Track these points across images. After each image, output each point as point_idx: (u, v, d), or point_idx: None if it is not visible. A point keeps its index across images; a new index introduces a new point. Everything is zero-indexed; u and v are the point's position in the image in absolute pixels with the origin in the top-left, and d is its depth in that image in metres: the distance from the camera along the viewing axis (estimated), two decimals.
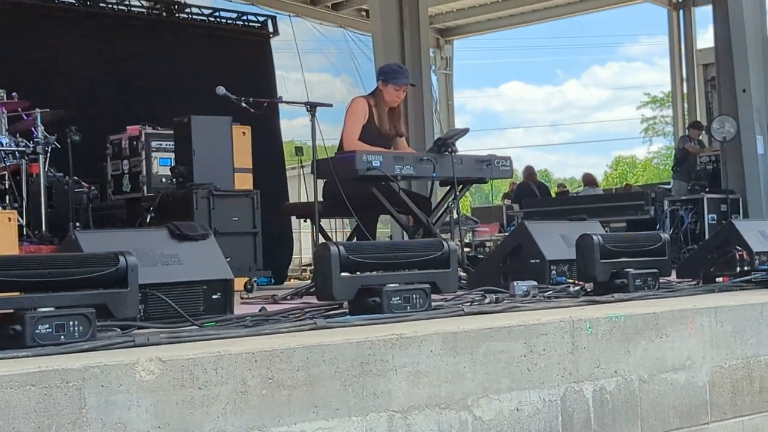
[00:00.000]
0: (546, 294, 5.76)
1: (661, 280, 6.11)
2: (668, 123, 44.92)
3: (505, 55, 63.34)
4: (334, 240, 9.21)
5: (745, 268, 6.57)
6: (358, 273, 4.85)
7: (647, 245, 6.15)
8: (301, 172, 16.68)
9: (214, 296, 4.95)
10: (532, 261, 6.51)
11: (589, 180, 21.31)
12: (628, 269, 5.83)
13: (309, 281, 12.36)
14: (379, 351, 3.86)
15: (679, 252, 11.93)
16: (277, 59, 15.90)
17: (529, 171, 20.86)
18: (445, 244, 5.11)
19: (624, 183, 31.07)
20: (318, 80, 21.79)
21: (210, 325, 4.48)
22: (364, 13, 20.78)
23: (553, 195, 21.48)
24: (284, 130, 15.86)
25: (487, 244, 16.77)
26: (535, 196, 18.95)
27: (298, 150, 16.24)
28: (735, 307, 5.20)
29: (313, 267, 4.92)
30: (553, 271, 6.47)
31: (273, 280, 11.73)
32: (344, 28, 21.39)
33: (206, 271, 4.98)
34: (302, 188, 16.53)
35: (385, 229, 16.56)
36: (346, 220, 12.66)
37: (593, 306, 5.18)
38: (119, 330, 4.11)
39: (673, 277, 6.70)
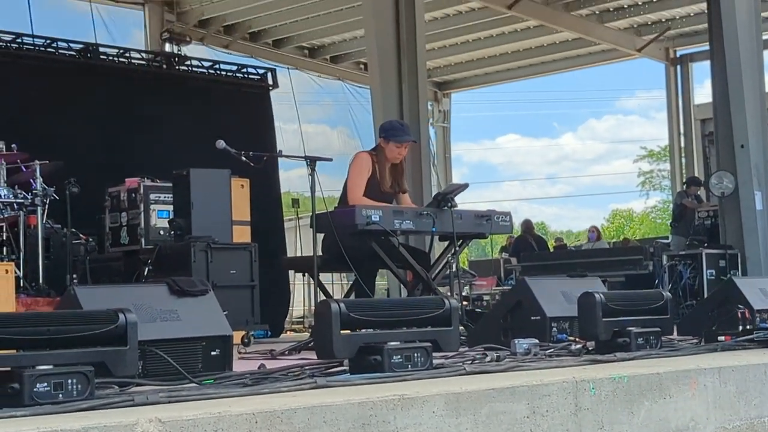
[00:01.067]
0: (547, 352, 5.71)
1: (662, 339, 6.07)
2: (665, 177, 45.00)
3: (502, 108, 63.57)
4: (331, 293, 9.17)
5: (747, 327, 6.53)
6: (358, 330, 4.81)
7: (649, 304, 6.12)
8: (298, 224, 16.76)
9: (212, 352, 4.92)
10: (532, 318, 6.48)
11: (599, 234, 21.36)
12: (630, 328, 5.79)
13: (305, 333, 12.31)
14: (381, 412, 3.80)
15: (678, 307, 11.88)
16: (274, 110, 15.93)
17: (527, 224, 20.87)
18: (446, 301, 5.07)
19: (622, 237, 31.06)
20: (314, 131, 21.88)
21: (209, 383, 4.44)
22: (362, 66, 20.88)
23: (551, 248, 21.45)
24: (281, 180, 15.85)
25: (485, 297, 16.73)
26: (532, 249, 18.93)
27: (295, 202, 16.34)
28: (738, 368, 5.16)
29: (312, 322, 4.92)
30: (554, 329, 6.43)
31: (270, 333, 11.69)
32: (342, 81, 21.50)
33: (205, 328, 4.96)
34: (298, 240, 16.52)
35: (382, 281, 16.51)
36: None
37: (596, 366, 5.12)
38: (117, 387, 4.06)
39: (674, 334, 6.66)
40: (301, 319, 16.85)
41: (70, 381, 3.74)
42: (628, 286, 13.93)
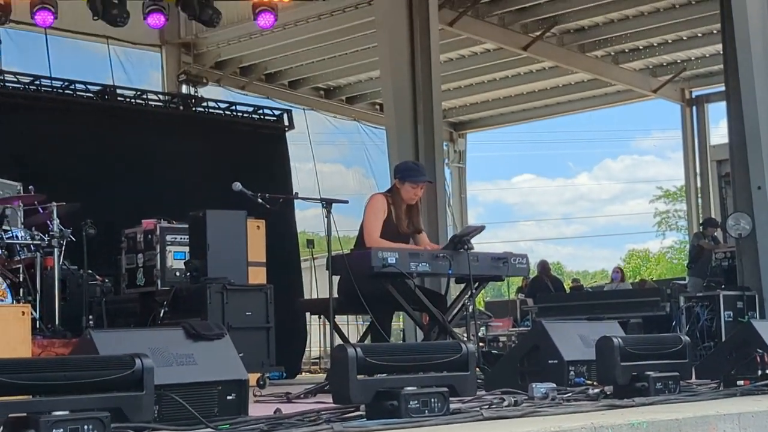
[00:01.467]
0: (565, 396, 5.67)
1: (681, 383, 6.02)
2: (681, 217, 44.81)
3: (517, 148, 63.53)
4: (347, 334, 9.16)
5: (766, 371, 6.48)
6: (375, 375, 4.79)
7: (668, 348, 6.08)
8: (313, 264, 16.74)
9: (228, 397, 4.90)
10: (550, 361, 6.45)
11: (623, 275, 21.21)
12: (648, 372, 5.75)
13: (321, 375, 12.26)
14: None
15: (696, 349, 11.82)
16: (289, 150, 15.96)
17: (543, 265, 20.81)
18: (463, 346, 5.05)
19: (639, 278, 30.93)
20: (330, 171, 21.91)
21: (225, 428, 4.42)
22: (378, 107, 20.93)
23: (567, 289, 21.38)
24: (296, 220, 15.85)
25: (501, 338, 16.66)
26: (549, 290, 18.87)
27: (310, 242, 16.35)
28: (758, 413, 5.11)
29: (327, 364, 4.91)
30: (572, 372, 6.40)
31: (285, 374, 11.65)
32: (358, 121, 21.54)
33: (221, 372, 4.94)
34: (314, 280, 16.50)
35: (397, 321, 16.48)
36: None
37: (614, 411, 5.08)
38: None
39: (693, 377, 6.61)
40: (317, 360, 16.81)
41: (86, 427, 3.74)
42: (645, 328, 13.88)
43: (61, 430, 3.67)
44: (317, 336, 16.41)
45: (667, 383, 5.83)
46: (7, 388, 3.74)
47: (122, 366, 4.01)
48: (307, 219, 18.46)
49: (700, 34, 18.89)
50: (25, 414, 3.71)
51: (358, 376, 4.66)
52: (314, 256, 16.66)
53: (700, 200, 21.84)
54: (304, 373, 14.79)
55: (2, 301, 8.95)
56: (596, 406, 5.25)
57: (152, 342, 4.73)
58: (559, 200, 74.33)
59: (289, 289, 12.94)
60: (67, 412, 3.74)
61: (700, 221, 19.06)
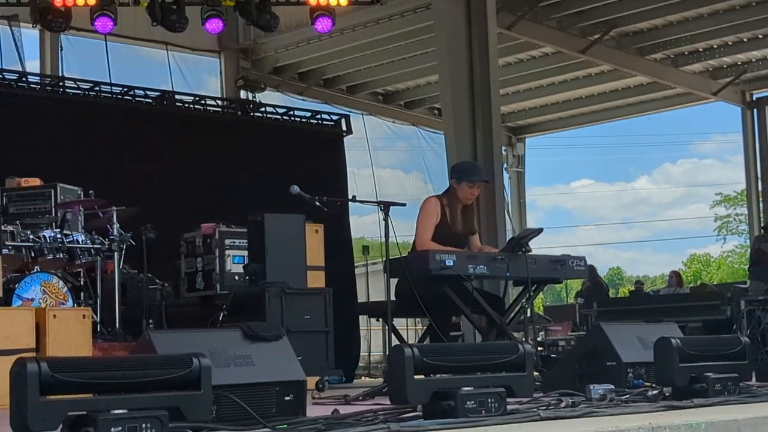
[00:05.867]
0: (623, 398, 5.63)
1: (741, 384, 5.96)
2: (742, 221, 44.42)
3: (576, 153, 63.17)
4: (405, 338, 9.14)
5: None
6: (432, 376, 4.79)
7: (727, 349, 6.02)
8: (367, 270, 16.75)
9: (286, 398, 4.91)
10: (608, 363, 6.40)
11: (679, 279, 20.91)
12: (707, 374, 5.70)
13: (380, 379, 12.28)
14: None
15: (757, 353, 11.67)
16: (347, 155, 15.97)
17: (593, 270, 20.52)
18: (520, 347, 5.04)
19: (699, 282, 30.64)
20: (388, 176, 21.94)
21: (282, 428, 4.44)
22: (436, 112, 20.93)
23: (628, 292, 21.20)
24: (353, 226, 15.85)
25: (560, 343, 16.57)
26: (607, 295, 18.73)
27: (365, 249, 16.35)
28: None
29: (386, 368, 4.94)
30: (630, 374, 6.35)
31: (344, 378, 11.67)
32: (416, 126, 21.54)
33: (279, 373, 4.96)
34: (369, 286, 16.52)
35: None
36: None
37: (672, 412, 5.04)
38: None
39: (753, 380, 6.54)
40: (377, 365, 16.83)
41: (144, 425, 3.76)
42: (705, 332, 13.74)
43: (120, 428, 3.70)
44: (375, 340, 16.45)
45: (727, 384, 5.77)
46: (67, 386, 3.79)
47: (180, 365, 4.04)
48: (366, 225, 18.47)
49: (760, 36, 18.71)
50: (84, 412, 3.75)
51: (415, 377, 4.67)
52: (369, 261, 16.68)
53: (761, 204, 21.60)
54: (363, 378, 14.80)
55: (63, 304, 9.05)
56: (654, 407, 5.21)
57: (210, 343, 4.76)
58: (618, 205, 73.96)
59: (344, 294, 12.94)
60: (125, 411, 3.77)
61: (762, 225, 18.84)
